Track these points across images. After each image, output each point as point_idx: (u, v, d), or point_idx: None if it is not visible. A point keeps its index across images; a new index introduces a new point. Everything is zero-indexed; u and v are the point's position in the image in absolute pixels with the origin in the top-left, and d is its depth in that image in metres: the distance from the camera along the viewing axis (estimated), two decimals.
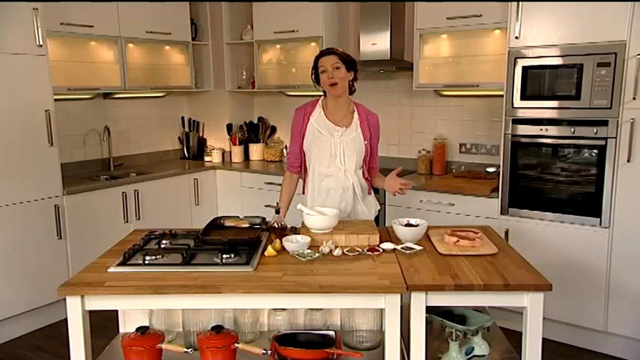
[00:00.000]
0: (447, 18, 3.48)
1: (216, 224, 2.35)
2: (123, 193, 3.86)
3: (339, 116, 2.56)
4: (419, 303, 1.80)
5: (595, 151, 2.95)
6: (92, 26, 3.82)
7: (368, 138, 2.57)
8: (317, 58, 2.53)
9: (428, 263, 1.99)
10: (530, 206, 3.18)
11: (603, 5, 2.81)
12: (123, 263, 1.98)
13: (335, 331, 1.98)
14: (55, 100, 3.48)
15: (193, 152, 4.93)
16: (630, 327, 2.97)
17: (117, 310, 2.19)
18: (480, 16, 3.37)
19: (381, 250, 2.12)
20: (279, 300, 1.85)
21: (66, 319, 1.82)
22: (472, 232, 2.24)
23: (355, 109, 2.59)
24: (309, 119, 2.57)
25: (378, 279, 1.83)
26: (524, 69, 3.09)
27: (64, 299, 1.81)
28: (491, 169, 3.70)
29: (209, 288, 1.78)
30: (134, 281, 1.83)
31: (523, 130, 3.15)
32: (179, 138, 5.01)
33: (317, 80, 2.55)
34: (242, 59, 4.79)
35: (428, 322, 1.85)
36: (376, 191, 2.76)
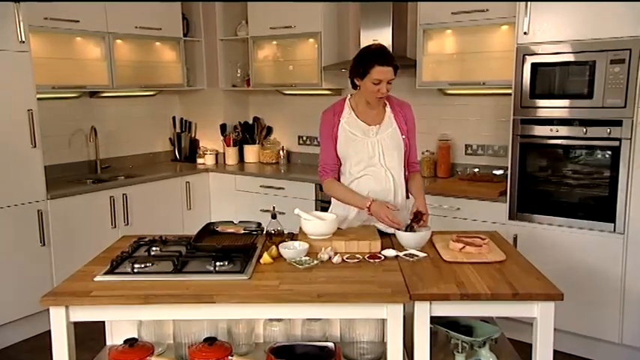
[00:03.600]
0: (452, 13, 3.49)
1: (209, 230, 2.36)
2: (110, 197, 3.85)
3: (371, 115, 2.49)
4: (423, 313, 1.80)
5: (608, 152, 2.95)
6: (78, 21, 3.82)
7: (405, 131, 2.49)
8: (372, 63, 2.31)
9: (432, 271, 1.99)
10: (540, 210, 3.18)
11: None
12: (110, 272, 1.98)
13: (334, 343, 1.98)
14: (39, 99, 3.47)
15: (185, 154, 4.93)
16: None
17: (104, 321, 2.18)
18: (487, 10, 3.38)
19: (383, 257, 2.12)
20: (276, 310, 1.85)
21: (50, 331, 1.81)
22: (479, 237, 2.24)
23: (386, 102, 2.51)
24: (339, 120, 2.48)
25: (380, 288, 1.83)
26: (534, 66, 3.09)
27: (48, 310, 1.80)
28: (498, 172, 3.70)
29: (202, 297, 1.78)
30: (122, 291, 1.82)
31: (532, 130, 3.15)
32: (170, 139, 5.01)
33: (357, 75, 2.38)
34: (236, 56, 4.80)
35: (432, 333, 1.86)
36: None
